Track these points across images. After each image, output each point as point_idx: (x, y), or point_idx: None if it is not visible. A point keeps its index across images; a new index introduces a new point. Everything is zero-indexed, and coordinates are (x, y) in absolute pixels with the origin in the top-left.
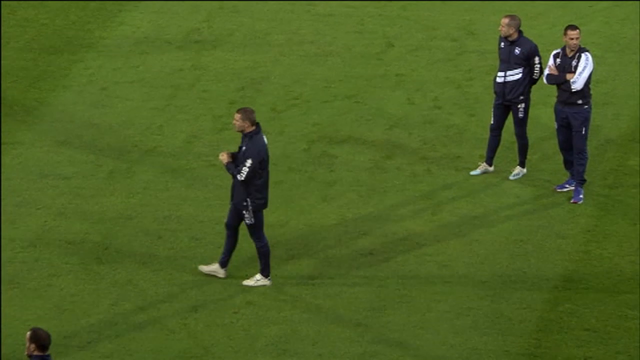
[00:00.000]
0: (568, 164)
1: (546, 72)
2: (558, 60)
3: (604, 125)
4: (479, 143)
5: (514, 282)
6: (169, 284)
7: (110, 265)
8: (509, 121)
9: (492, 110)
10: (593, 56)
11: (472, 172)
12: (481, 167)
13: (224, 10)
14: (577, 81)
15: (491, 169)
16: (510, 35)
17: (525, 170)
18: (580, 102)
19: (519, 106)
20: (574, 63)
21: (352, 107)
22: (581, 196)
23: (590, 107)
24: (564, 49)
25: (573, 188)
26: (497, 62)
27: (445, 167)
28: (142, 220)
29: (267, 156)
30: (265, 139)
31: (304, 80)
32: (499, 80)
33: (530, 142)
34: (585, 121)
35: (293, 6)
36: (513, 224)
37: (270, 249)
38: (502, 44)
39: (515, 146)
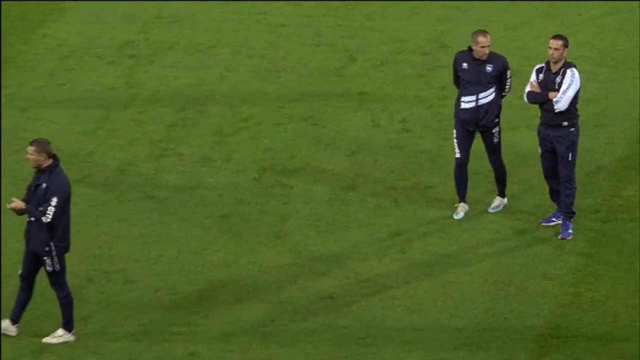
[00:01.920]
0: (554, 194)
1: (527, 88)
2: (541, 75)
3: (595, 149)
4: (453, 171)
5: (494, 330)
6: (100, 332)
7: (33, 313)
8: (478, 147)
9: (456, 142)
10: (580, 72)
11: (456, 217)
12: (460, 207)
13: (162, 20)
14: (561, 101)
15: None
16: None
17: (506, 200)
18: (565, 124)
19: (494, 130)
20: (557, 80)
21: (309, 130)
22: (570, 231)
23: (577, 130)
24: (547, 63)
25: (560, 222)
26: (454, 86)
27: (415, 198)
28: (69, 260)
29: (70, 192)
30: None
31: (254, 99)
32: (467, 105)
33: (511, 170)
34: (572, 146)
35: (241, 15)
36: (492, 263)
37: (214, 291)
38: (465, 64)
39: (492, 175)
